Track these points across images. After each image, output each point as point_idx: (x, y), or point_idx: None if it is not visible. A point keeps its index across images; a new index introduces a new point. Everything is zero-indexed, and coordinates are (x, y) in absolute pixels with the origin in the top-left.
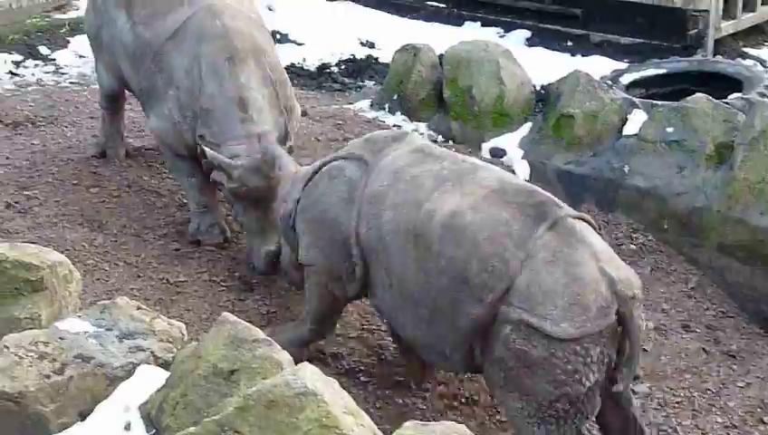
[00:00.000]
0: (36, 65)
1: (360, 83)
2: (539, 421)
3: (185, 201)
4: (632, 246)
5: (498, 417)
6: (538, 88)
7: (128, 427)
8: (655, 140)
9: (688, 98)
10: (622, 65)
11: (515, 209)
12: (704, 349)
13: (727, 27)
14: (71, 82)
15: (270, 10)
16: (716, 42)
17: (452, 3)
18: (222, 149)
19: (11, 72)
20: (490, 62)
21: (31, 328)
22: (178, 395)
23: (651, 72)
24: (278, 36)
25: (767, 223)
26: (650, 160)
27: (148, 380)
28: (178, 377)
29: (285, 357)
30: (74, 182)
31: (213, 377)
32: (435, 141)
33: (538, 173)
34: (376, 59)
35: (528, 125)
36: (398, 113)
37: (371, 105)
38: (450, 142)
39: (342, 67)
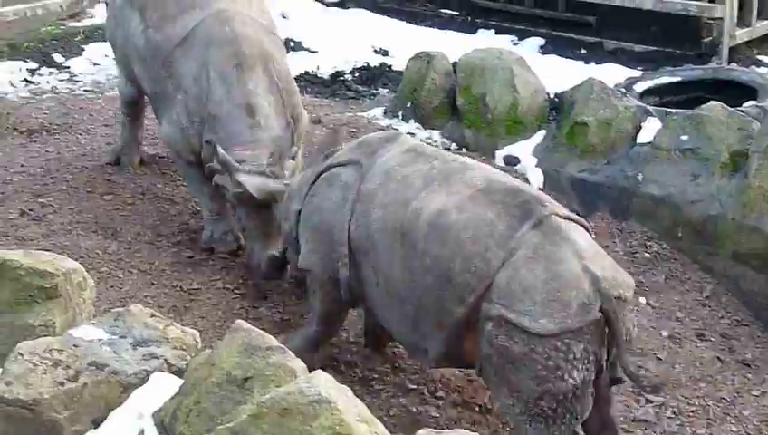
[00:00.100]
0: (51, 73)
1: (374, 91)
2: (529, 419)
3: (198, 209)
4: (646, 254)
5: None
6: (552, 96)
7: (141, 434)
8: (669, 147)
9: (703, 106)
10: (636, 73)
11: (501, 209)
12: (718, 358)
13: (742, 35)
14: (85, 90)
15: (284, 18)
16: (731, 49)
17: (466, 10)
18: (228, 155)
19: (26, 80)
20: (504, 69)
21: (45, 335)
22: (192, 402)
23: (665, 79)
24: (292, 44)
25: None
26: (664, 168)
27: (162, 387)
28: (192, 384)
29: (299, 365)
30: (89, 190)
31: (226, 384)
32: (448, 149)
33: (552, 181)
34: (389, 67)
35: (542, 133)
36: (412, 121)
37: (385, 113)
38: (464, 150)
39: (356, 75)
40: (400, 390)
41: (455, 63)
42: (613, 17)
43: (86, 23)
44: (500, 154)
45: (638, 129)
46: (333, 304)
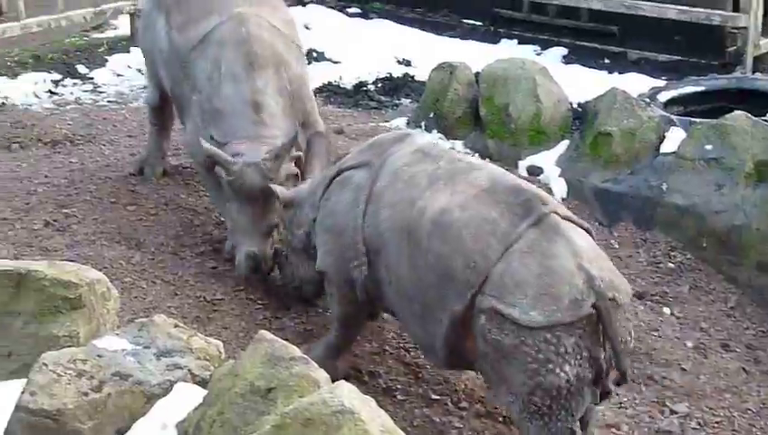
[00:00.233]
0: (75, 84)
1: (397, 101)
2: (528, 417)
3: (222, 219)
4: (670, 264)
5: None
6: (575, 106)
7: None
8: (693, 157)
9: (727, 115)
10: (660, 83)
11: (504, 208)
12: (744, 368)
13: (766, 44)
14: (108, 101)
15: (307, 29)
16: (755, 59)
17: (488, 21)
18: (226, 148)
19: (50, 91)
20: (527, 79)
21: (69, 346)
22: (216, 413)
23: (689, 89)
24: (315, 55)
25: None
26: (689, 178)
27: (186, 397)
28: (216, 395)
29: (322, 375)
30: (112, 200)
31: (250, 395)
32: None
33: (575, 191)
34: (412, 77)
35: (565, 143)
36: (435, 131)
37: (408, 123)
38: (487, 160)
39: (379, 85)
40: (424, 400)
41: (477, 74)
42: (636, 27)
43: (109, 34)
44: (523, 164)
45: (661, 138)
46: (351, 306)
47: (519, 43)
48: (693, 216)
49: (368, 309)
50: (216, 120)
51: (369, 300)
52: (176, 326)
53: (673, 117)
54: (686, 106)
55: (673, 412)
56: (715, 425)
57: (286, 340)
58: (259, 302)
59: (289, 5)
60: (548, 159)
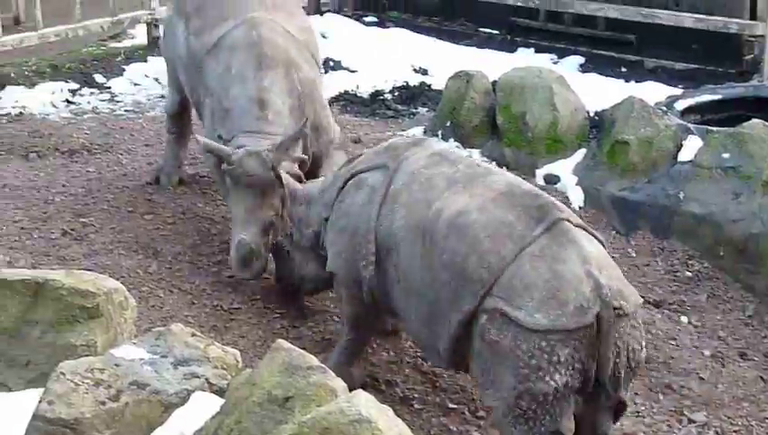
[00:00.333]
0: (92, 93)
1: (414, 110)
2: (513, 421)
3: None
4: (688, 273)
5: None
6: (592, 114)
7: None
8: (710, 166)
9: (744, 124)
10: (677, 91)
11: (521, 212)
12: (761, 377)
13: None
14: (126, 110)
15: (324, 37)
16: None
17: (505, 29)
18: (231, 143)
19: (67, 101)
20: (543, 88)
21: (87, 355)
22: (233, 422)
23: (706, 97)
24: (331, 63)
25: None
26: (706, 187)
27: (203, 406)
28: (233, 404)
29: (340, 384)
30: (129, 209)
31: (267, 404)
32: None
33: (592, 200)
34: (429, 86)
35: (582, 151)
36: (452, 140)
37: (425, 132)
38: (504, 169)
39: (396, 94)
40: (441, 409)
41: (494, 82)
42: (653, 35)
43: (127, 43)
44: (540, 173)
45: (679, 147)
46: (361, 307)
47: (536, 51)
48: (710, 224)
49: (376, 311)
50: (224, 120)
51: (373, 300)
52: (193, 335)
53: (690, 125)
54: (703, 114)
55: (691, 421)
56: (734, 434)
57: (304, 349)
58: (276, 311)
59: (306, 14)
60: (565, 168)
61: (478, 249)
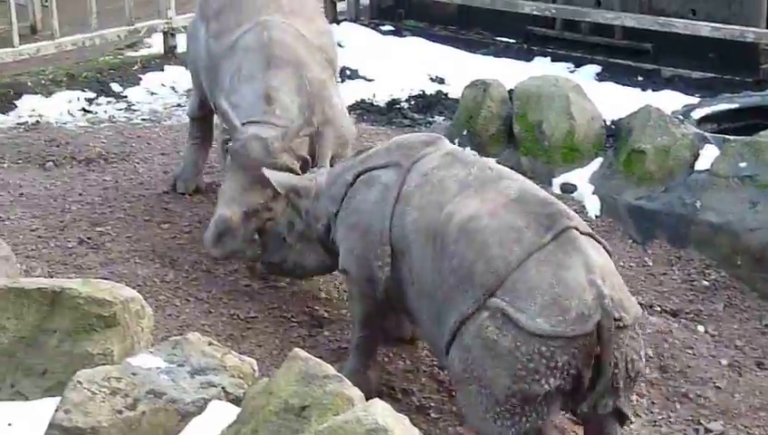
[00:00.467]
0: (108, 102)
1: (430, 119)
2: (495, 416)
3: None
4: (705, 282)
5: None
6: (608, 123)
7: None
8: (727, 175)
9: (761, 132)
10: (694, 100)
11: (532, 219)
12: None
13: None
14: (142, 119)
15: (340, 46)
16: None
17: (522, 38)
18: (239, 129)
19: (84, 110)
20: (560, 97)
21: (103, 364)
22: (249, 431)
23: (723, 106)
24: (348, 72)
25: None
26: (723, 196)
27: (220, 415)
28: (249, 413)
29: (356, 393)
30: (146, 218)
31: (284, 413)
32: None
33: (609, 208)
34: (446, 94)
35: (599, 160)
36: (468, 148)
37: None
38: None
39: (412, 103)
40: (457, 418)
41: (511, 91)
42: (670, 44)
43: (143, 52)
44: (557, 181)
45: (695, 156)
46: (372, 305)
47: (552, 60)
48: (727, 233)
49: (386, 309)
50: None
51: (389, 299)
52: (210, 344)
53: (707, 134)
54: (720, 123)
55: (708, 431)
56: None
57: (320, 358)
58: (293, 320)
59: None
60: (581, 177)
61: (486, 254)
